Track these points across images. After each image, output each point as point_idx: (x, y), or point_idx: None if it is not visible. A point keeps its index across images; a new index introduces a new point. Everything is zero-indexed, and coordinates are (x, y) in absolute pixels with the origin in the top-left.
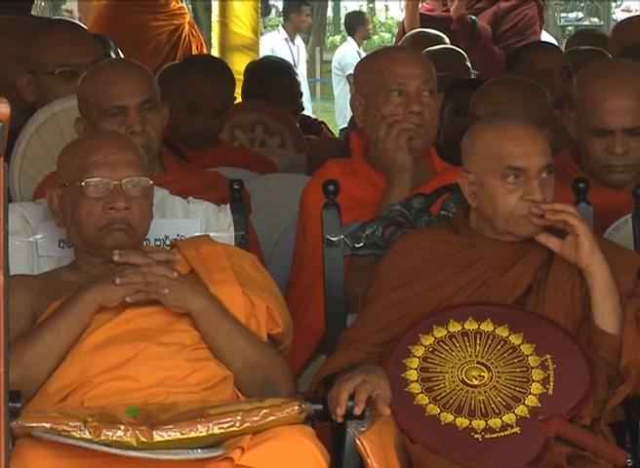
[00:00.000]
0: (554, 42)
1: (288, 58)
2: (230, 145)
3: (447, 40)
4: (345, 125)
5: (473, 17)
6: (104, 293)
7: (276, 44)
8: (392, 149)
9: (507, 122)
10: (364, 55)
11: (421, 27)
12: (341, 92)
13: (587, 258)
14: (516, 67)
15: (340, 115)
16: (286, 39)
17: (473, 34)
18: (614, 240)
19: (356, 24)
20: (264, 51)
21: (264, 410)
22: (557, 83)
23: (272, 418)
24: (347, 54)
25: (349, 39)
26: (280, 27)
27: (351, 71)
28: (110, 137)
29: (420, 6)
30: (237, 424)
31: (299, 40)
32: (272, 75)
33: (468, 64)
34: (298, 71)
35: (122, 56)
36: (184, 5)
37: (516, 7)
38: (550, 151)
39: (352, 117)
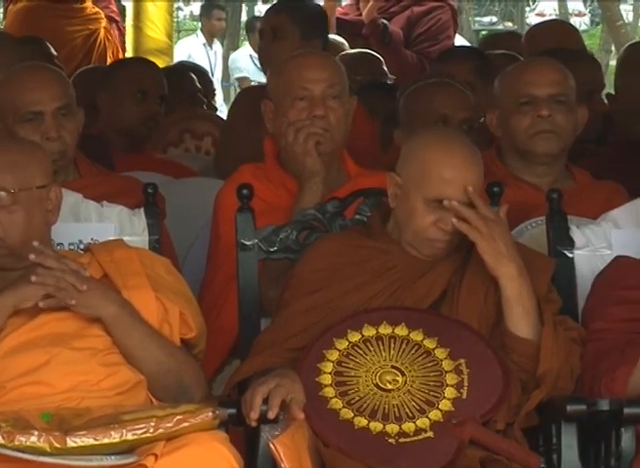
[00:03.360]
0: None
1: (205, 63)
2: (153, 155)
3: (347, 46)
4: None
5: (385, 21)
6: (18, 294)
7: (193, 49)
8: (301, 154)
9: (452, 144)
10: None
11: (336, 31)
12: None
13: (492, 264)
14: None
15: None
16: (204, 44)
17: (385, 38)
18: (528, 236)
19: (254, 28)
20: (181, 56)
21: (178, 417)
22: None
23: (186, 424)
24: (238, 58)
25: (246, 43)
26: (198, 32)
27: (240, 75)
28: None
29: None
30: (151, 430)
31: (217, 45)
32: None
33: (385, 68)
34: (215, 77)
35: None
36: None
37: (430, 11)
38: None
39: None
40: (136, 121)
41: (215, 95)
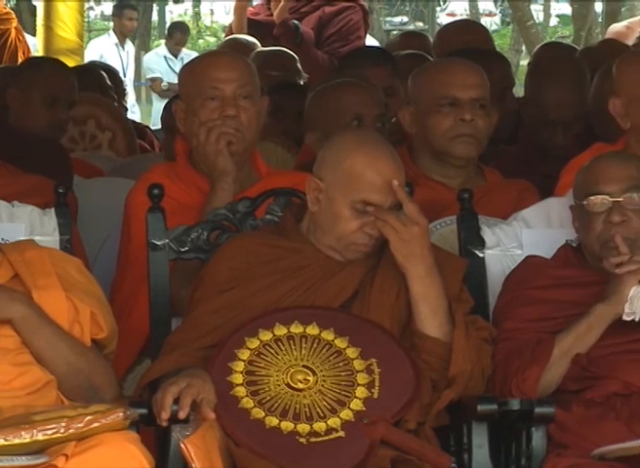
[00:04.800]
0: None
1: (117, 62)
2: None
3: (259, 46)
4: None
5: (296, 22)
6: None
7: (105, 49)
8: (213, 154)
9: (375, 148)
10: (173, 61)
11: (247, 32)
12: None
13: (402, 262)
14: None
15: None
16: (116, 44)
17: (296, 39)
18: (438, 235)
19: (174, 31)
20: (93, 56)
21: (89, 417)
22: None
23: (97, 425)
24: (151, 58)
25: (163, 44)
26: (111, 32)
27: (153, 75)
28: None
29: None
30: (61, 431)
31: (129, 45)
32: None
33: (299, 66)
34: (127, 77)
35: None
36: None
37: (341, 11)
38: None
39: (162, 119)
40: (42, 125)
41: (126, 94)
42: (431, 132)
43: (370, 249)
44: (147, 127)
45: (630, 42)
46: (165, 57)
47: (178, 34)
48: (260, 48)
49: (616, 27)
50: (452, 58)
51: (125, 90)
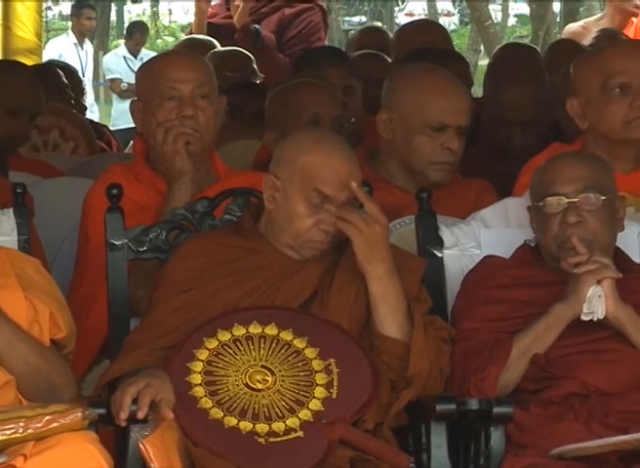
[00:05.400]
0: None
1: (76, 62)
2: (21, 156)
3: (218, 45)
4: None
5: (257, 26)
6: None
7: (64, 49)
8: (170, 154)
9: (330, 146)
10: (133, 61)
11: (207, 34)
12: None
13: (363, 263)
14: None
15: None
16: (75, 44)
17: (257, 43)
18: (396, 234)
19: (133, 31)
20: (52, 56)
21: (47, 417)
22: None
23: (55, 425)
24: (110, 59)
25: (122, 45)
26: (69, 31)
27: (112, 75)
28: None
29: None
30: (20, 431)
31: (87, 45)
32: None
33: (255, 67)
34: (85, 76)
35: None
36: None
37: (301, 13)
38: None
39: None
40: (2, 135)
41: (84, 93)
42: (413, 153)
43: (326, 246)
44: (105, 126)
45: (586, 42)
46: (124, 57)
47: (137, 34)
48: (216, 48)
49: (571, 27)
50: (448, 79)
51: (84, 88)
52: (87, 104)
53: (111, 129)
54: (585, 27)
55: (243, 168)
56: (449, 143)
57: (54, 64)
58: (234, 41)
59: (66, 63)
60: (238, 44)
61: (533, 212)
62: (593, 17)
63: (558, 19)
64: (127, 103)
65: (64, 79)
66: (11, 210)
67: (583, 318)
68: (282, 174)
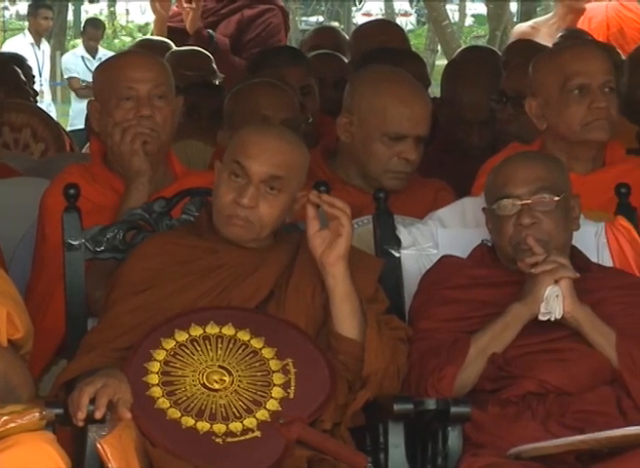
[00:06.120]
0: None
1: (33, 62)
2: None
3: (173, 46)
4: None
5: (210, 31)
6: None
7: (21, 48)
8: (128, 154)
9: (271, 131)
10: (91, 61)
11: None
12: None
13: (335, 259)
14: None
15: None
16: (32, 44)
17: (210, 48)
18: (355, 234)
19: (87, 27)
20: None
21: (5, 417)
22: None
23: (13, 425)
24: (69, 59)
25: (80, 45)
26: (26, 31)
27: (70, 75)
28: None
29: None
30: None
31: (45, 45)
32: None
33: (214, 66)
34: (43, 76)
35: None
36: None
37: (261, 15)
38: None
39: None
40: None
41: (34, 82)
42: (370, 159)
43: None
44: (58, 125)
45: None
46: (82, 57)
47: (90, 29)
48: (175, 48)
49: (521, 27)
50: (409, 87)
51: (33, 76)
52: (44, 105)
53: (69, 129)
54: (535, 27)
55: (195, 167)
56: (406, 153)
57: (6, 59)
58: (189, 46)
59: (17, 54)
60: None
61: (488, 213)
62: (543, 17)
63: (515, 19)
64: (84, 103)
65: (22, 76)
66: None
67: (541, 318)
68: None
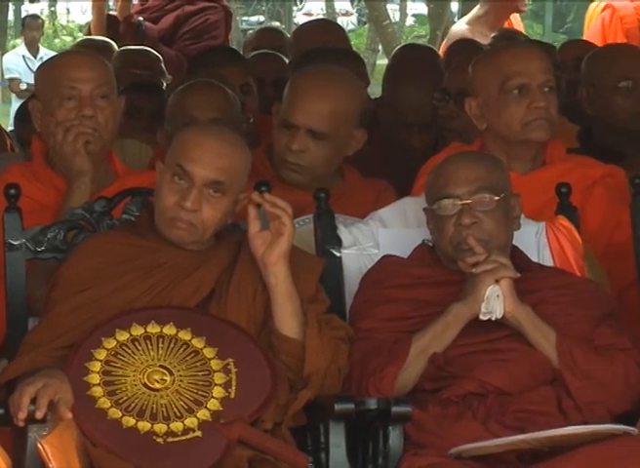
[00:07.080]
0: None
1: None
2: None
3: (115, 46)
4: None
5: (140, 18)
6: None
7: None
8: (70, 153)
9: (212, 131)
10: (32, 61)
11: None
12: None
13: (276, 258)
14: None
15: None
16: None
17: (137, 35)
18: (295, 234)
19: (25, 21)
20: None
21: None
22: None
23: None
24: (10, 59)
25: (21, 44)
26: None
27: (11, 75)
28: None
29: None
30: None
31: None
32: None
33: (163, 66)
34: None
35: None
36: None
37: (200, 11)
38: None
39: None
40: None
41: None
42: (274, 145)
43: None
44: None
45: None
46: (24, 56)
47: (28, 19)
48: (112, 50)
49: (457, 27)
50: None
51: None
52: None
53: (9, 129)
54: (469, 28)
55: (132, 166)
56: (290, 143)
57: None
58: (121, 35)
59: None
60: (122, 36)
61: (428, 213)
62: (473, 13)
63: (456, 19)
64: None
65: None
66: None
67: (482, 317)
68: (168, 156)
